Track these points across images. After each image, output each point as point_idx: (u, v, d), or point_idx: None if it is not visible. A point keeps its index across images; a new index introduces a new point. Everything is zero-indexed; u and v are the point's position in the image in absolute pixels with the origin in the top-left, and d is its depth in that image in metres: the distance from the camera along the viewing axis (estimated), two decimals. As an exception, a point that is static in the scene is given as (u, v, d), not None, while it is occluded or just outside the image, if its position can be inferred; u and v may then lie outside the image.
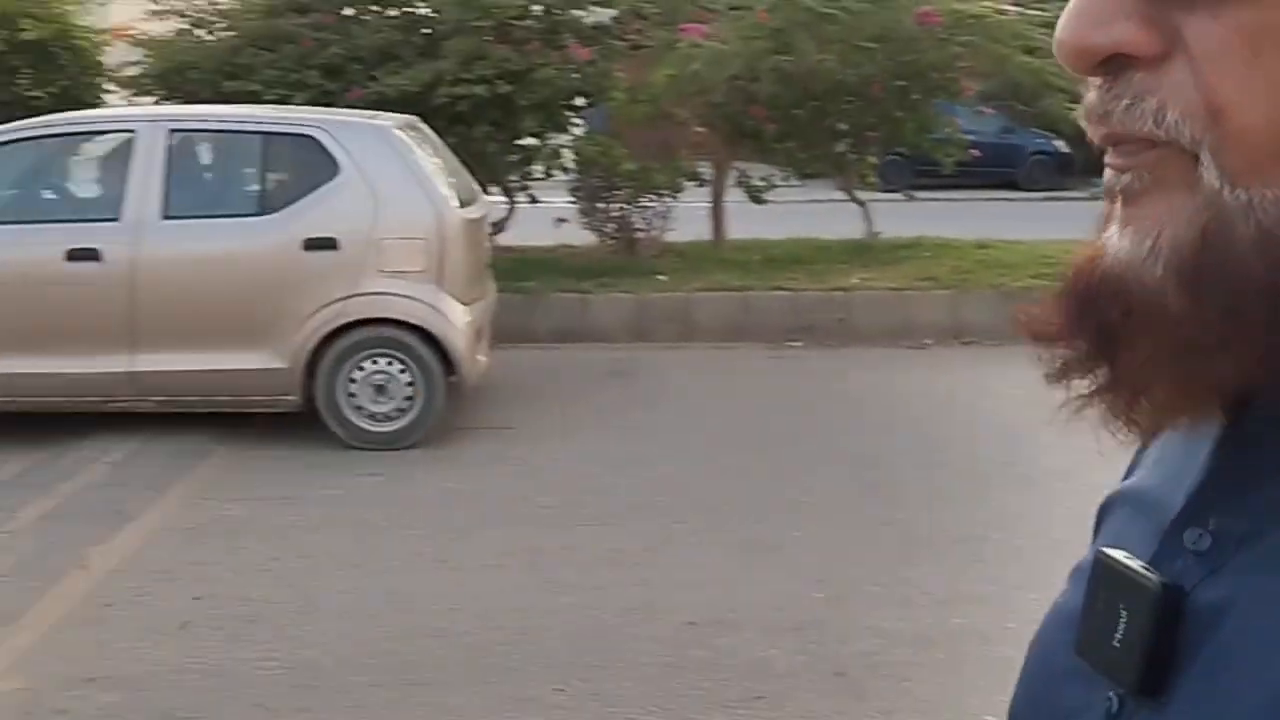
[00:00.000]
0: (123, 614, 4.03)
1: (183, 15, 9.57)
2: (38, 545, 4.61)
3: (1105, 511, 0.64)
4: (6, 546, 4.61)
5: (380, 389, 5.75)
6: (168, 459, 5.60)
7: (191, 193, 6.18)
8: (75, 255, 5.76)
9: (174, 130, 6.08)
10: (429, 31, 9.14)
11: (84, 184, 6.43)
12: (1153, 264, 0.47)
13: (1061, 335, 0.52)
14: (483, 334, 6.30)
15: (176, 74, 9.10)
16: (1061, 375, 0.52)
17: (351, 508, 5.01)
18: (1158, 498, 0.57)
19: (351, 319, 5.77)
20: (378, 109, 7.34)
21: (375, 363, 5.81)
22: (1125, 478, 0.65)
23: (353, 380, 5.75)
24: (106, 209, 6.02)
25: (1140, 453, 0.64)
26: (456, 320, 5.84)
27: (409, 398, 5.79)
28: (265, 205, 6.06)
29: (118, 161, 6.12)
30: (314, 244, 5.76)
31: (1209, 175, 0.46)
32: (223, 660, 3.67)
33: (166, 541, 4.73)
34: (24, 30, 9.00)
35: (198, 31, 9.50)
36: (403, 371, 5.79)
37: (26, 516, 4.90)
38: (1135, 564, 0.53)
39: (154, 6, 9.64)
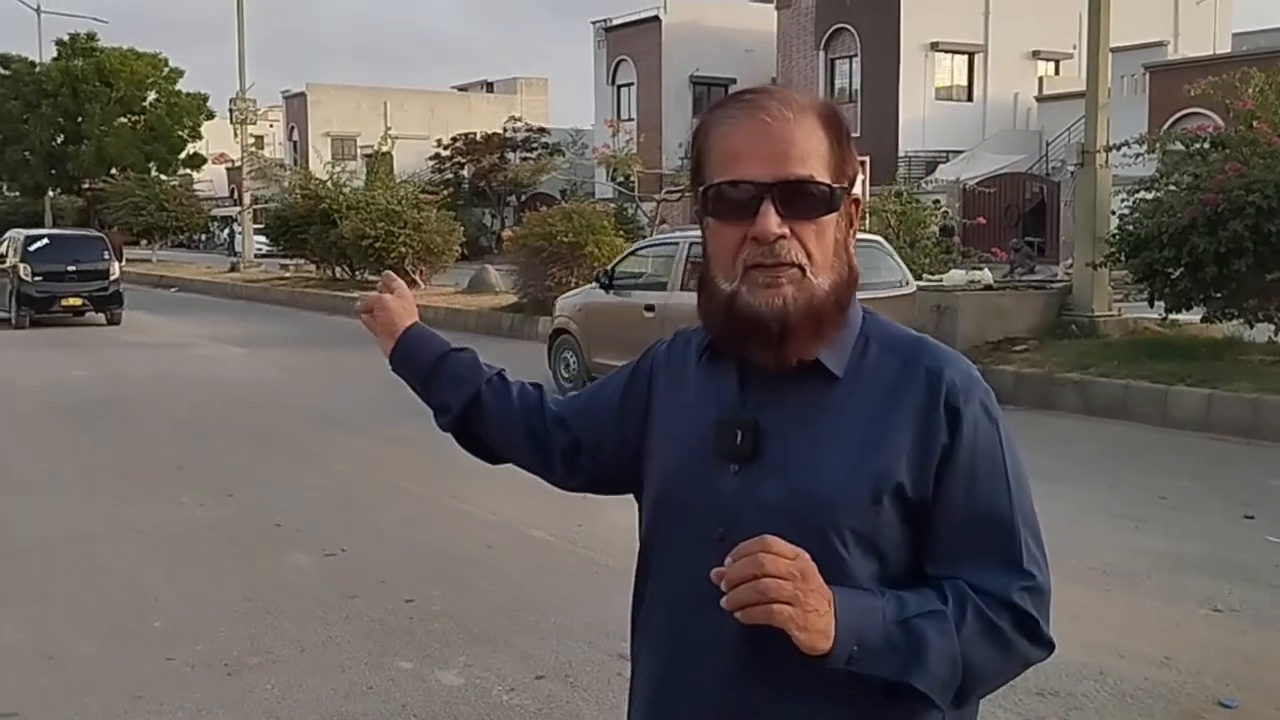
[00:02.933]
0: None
1: None
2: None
3: (660, 391, 1.58)
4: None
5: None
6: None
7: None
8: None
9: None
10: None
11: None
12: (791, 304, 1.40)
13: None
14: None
15: None
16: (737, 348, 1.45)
17: None
18: (716, 389, 1.48)
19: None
20: None
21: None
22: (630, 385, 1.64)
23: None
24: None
25: (637, 377, 1.63)
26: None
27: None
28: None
29: None
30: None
31: (810, 272, 1.39)
32: None
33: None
34: None
35: None
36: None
37: None
38: (731, 416, 1.43)
39: None
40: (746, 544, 1.28)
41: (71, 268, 20.96)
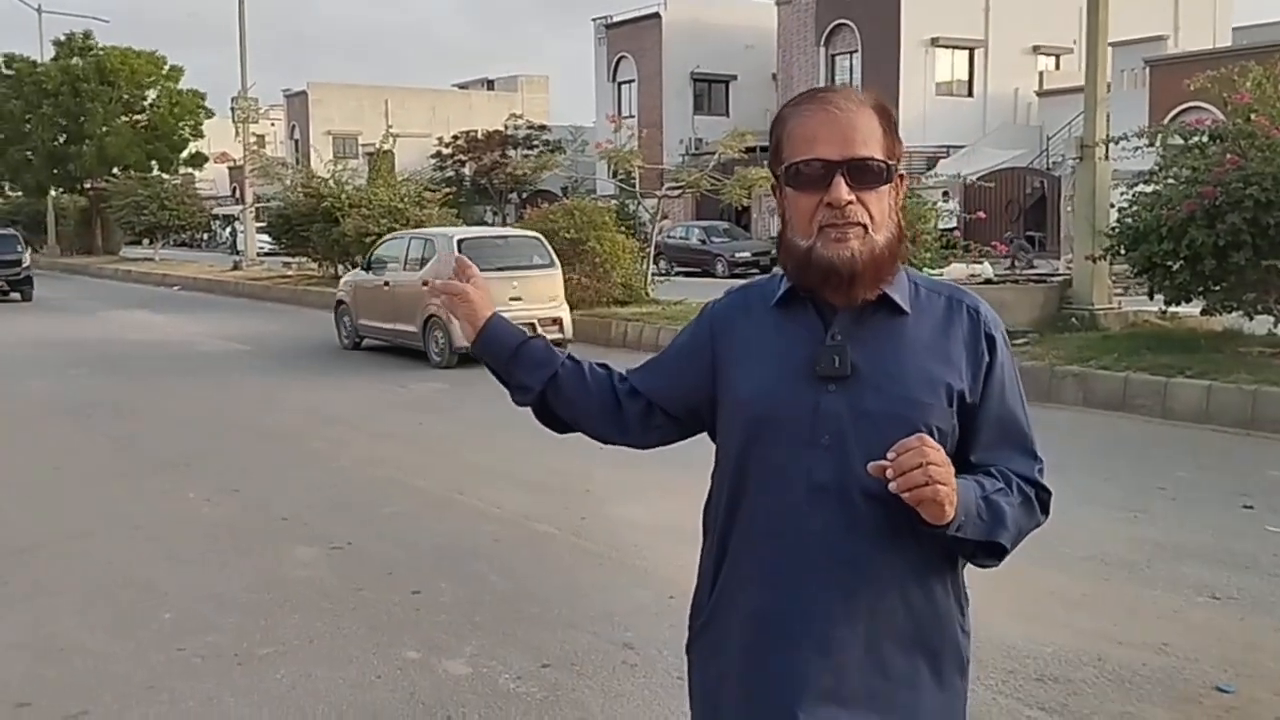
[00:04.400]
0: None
1: None
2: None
3: (728, 337, 1.91)
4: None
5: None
6: None
7: None
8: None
9: None
10: None
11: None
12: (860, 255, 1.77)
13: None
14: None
15: None
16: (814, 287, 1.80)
17: None
18: (798, 327, 1.82)
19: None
20: None
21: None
22: (699, 333, 1.98)
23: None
24: None
25: (698, 333, 1.98)
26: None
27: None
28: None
29: None
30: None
31: (872, 230, 1.75)
32: None
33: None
34: None
35: None
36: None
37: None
38: (827, 345, 1.79)
39: None
40: (906, 440, 1.64)
41: None
